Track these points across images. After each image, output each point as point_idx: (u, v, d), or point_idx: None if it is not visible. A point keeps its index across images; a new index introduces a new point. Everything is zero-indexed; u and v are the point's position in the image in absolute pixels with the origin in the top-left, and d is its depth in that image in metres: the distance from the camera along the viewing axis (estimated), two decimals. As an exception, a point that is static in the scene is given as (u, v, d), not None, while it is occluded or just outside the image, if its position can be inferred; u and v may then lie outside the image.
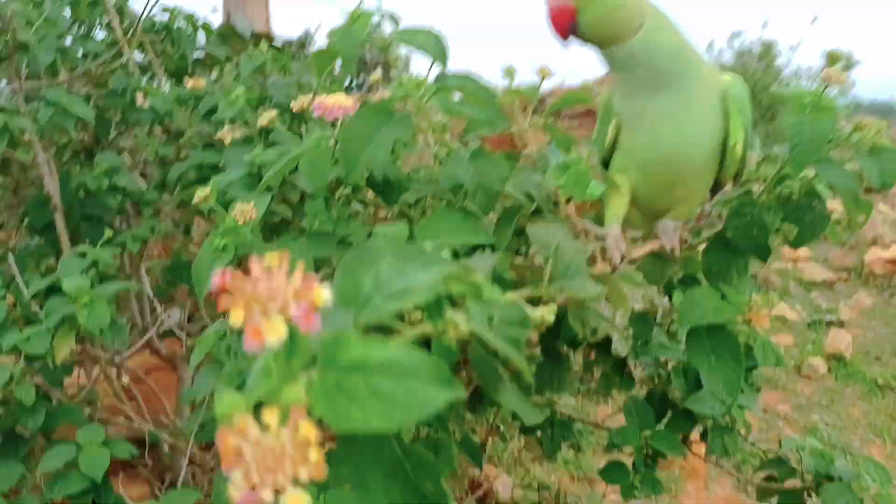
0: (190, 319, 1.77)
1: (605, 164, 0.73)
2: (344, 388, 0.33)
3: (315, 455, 0.31)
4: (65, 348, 1.04)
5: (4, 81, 1.15)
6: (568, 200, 0.69)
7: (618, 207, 0.69)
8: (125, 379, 1.32)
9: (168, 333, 1.71)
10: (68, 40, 1.25)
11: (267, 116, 0.85)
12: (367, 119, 0.65)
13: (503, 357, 0.46)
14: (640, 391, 1.11)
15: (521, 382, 0.47)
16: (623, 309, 0.54)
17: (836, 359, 2.82)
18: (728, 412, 0.97)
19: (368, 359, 0.34)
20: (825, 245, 3.90)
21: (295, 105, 0.79)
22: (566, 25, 0.66)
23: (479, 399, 1.01)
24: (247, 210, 0.67)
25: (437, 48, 0.61)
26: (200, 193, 0.73)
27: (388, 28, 0.72)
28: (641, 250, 0.69)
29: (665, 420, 1.02)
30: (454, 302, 0.52)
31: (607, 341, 0.85)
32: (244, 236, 0.68)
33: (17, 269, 1.11)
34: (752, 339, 0.98)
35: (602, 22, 0.65)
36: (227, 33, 1.53)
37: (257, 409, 0.34)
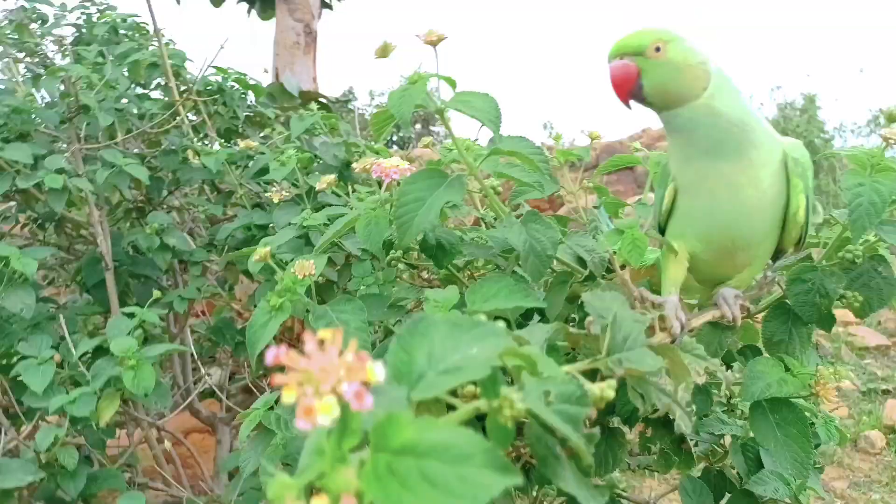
0: (230, 379, 1.77)
1: (662, 229, 0.71)
2: (396, 472, 0.31)
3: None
4: (110, 411, 1.04)
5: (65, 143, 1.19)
6: (622, 267, 0.66)
7: (675, 275, 0.67)
8: (167, 443, 1.31)
9: (208, 394, 1.71)
10: (126, 102, 1.30)
11: (326, 180, 0.86)
12: (422, 182, 0.64)
13: (561, 436, 0.44)
14: (695, 469, 1.05)
15: (579, 463, 0.44)
16: (685, 383, 0.51)
17: (894, 432, 2.64)
18: (795, 495, 0.90)
19: (421, 441, 0.32)
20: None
21: (357, 166, 0.80)
22: (629, 89, 0.65)
23: (526, 476, 0.97)
24: (307, 267, 0.67)
25: (492, 114, 0.61)
26: (260, 252, 0.73)
27: (445, 91, 0.73)
28: (701, 319, 0.65)
29: (723, 501, 0.96)
30: (509, 375, 0.50)
31: (665, 416, 0.81)
32: (300, 296, 0.68)
33: (66, 328, 1.13)
34: (814, 415, 0.93)
35: (666, 85, 0.64)
36: (277, 92, 1.58)
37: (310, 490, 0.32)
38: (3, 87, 1.24)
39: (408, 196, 0.64)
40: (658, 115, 0.66)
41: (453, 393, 0.47)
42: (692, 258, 0.68)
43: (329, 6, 6.14)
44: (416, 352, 0.37)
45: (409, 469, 0.31)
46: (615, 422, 0.74)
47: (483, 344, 0.37)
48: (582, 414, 0.42)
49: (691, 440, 0.93)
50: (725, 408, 0.88)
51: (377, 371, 0.31)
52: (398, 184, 0.75)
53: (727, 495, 0.97)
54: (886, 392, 2.95)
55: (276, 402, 0.72)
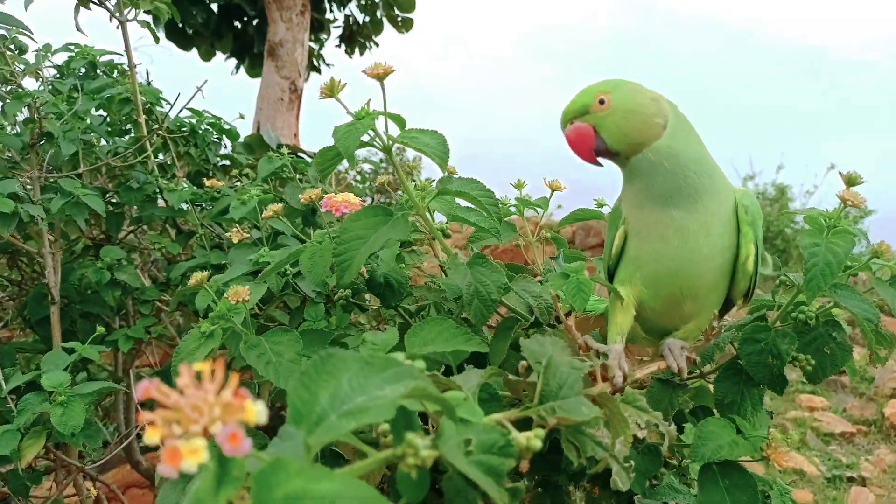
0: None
1: (610, 275, 0.70)
2: (276, 526, 0.28)
3: None
4: (33, 451, 0.98)
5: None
6: (568, 314, 0.64)
7: (622, 323, 0.65)
8: (93, 491, 1.23)
9: (153, 448, 1.62)
10: (93, 136, 1.28)
11: (272, 209, 0.84)
12: (365, 220, 0.63)
13: (483, 490, 0.41)
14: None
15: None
16: (624, 436, 0.48)
17: (860, 520, 2.60)
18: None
19: (308, 492, 0.29)
20: (843, 395, 3.74)
21: (303, 196, 0.78)
22: (590, 147, 0.65)
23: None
24: (241, 292, 0.64)
25: (439, 150, 0.60)
26: (197, 277, 0.70)
27: (394, 130, 0.72)
28: (646, 370, 0.63)
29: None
30: (427, 421, 0.47)
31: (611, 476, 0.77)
32: (234, 325, 0.64)
33: None
34: (769, 487, 0.90)
35: (623, 130, 0.63)
36: (255, 142, 1.57)
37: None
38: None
39: (349, 233, 0.62)
40: (623, 167, 0.66)
41: (374, 443, 0.44)
42: (639, 306, 0.66)
43: (318, 69, 6.28)
44: (319, 391, 0.34)
45: (290, 524, 0.28)
46: (561, 482, 0.70)
47: (396, 386, 0.35)
48: (505, 465, 0.39)
49: (641, 505, 0.90)
50: (676, 472, 0.85)
51: (258, 411, 0.28)
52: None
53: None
54: (851, 479, 2.91)
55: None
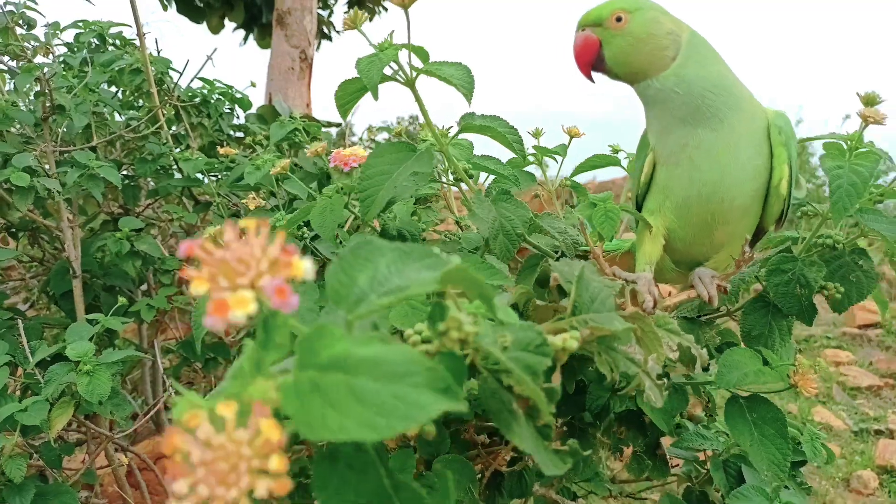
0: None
1: (639, 205, 0.69)
2: (321, 387, 0.28)
3: (277, 463, 0.25)
4: (62, 420, 0.99)
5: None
6: (595, 246, 0.64)
7: (650, 252, 0.64)
8: (124, 459, 1.24)
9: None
10: (105, 110, 1.28)
11: (280, 164, 0.84)
12: (388, 155, 0.62)
13: (518, 392, 0.41)
14: (670, 480, 1.01)
15: (537, 423, 0.40)
16: (657, 354, 0.48)
17: (887, 472, 2.59)
18: (777, 510, 0.86)
19: (352, 356, 0.29)
20: (869, 349, 3.70)
21: (310, 150, 0.78)
22: (590, 59, 0.63)
23: (497, 490, 0.92)
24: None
25: (465, 80, 0.59)
26: (210, 231, 0.70)
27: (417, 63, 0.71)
28: (676, 298, 0.63)
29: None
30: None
31: (638, 416, 0.77)
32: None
33: (24, 335, 1.08)
34: (799, 432, 0.89)
35: (627, 56, 0.62)
36: (267, 114, 1.57)
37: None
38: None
39: (373, 169, 0.62)
40: (632, 88, 0.65)
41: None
42: (669, 236, 0.65)
43: (328, 37, 6.22)
44: (358, 275, 0.34)
45: (335, 385, 0.28)
46: (586, 419, 0.70)
47: (433, 272, 0.35)
48: (542, 364, 0.39)
49: (669, 457, 0.89)
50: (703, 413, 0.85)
51: (305, 267, 0.28)
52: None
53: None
54: (879, 432, 2.90)
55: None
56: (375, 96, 0.59)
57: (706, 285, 0.63)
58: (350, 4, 6.29)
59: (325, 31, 6.18)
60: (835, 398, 3.23)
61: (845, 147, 0.65)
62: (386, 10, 6.28)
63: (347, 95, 0.62)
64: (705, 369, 0.78)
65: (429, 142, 0.64)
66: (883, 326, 3.84)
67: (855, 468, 2.62)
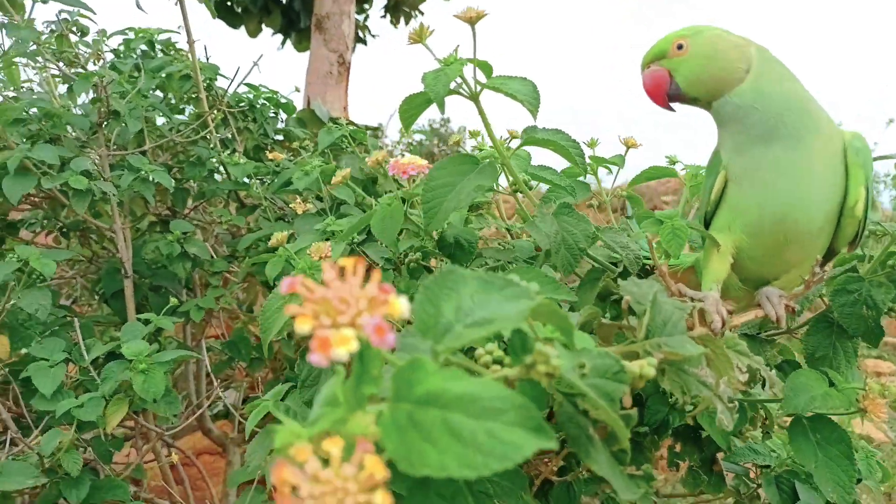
0: (245, 401, 1.74)
1: (706, 223, 0.68)
2: (417, 422, 0.28)
3: (382, 499, 0.25)
4: (117, 416, 1.02)
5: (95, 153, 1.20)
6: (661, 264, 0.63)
7: (718, 271, 0.63)
8: (174, 457, 1.27)
9: (222, 416, 1.68)
10: (158, 116, 1.31)
11: (341, 174, 0.85)
12: (451, 167, 0.62)
13: (594, 418, 0.40)
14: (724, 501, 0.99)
15: (613, 449, 0.40)
16: (728, 377, 0.47)
17: (930, 486, 2.53)
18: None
19: (447, 391, 0.29)
20: None
21: (371, 160, 0.78)
22: (664, 92, 0.64)
23: (545, 498, 0.92)
24: (323, 248, 0.65)
25: (531, 96, 0.59)
26: (277, 237, 0.71)
27: (481, 77, 0.71)
28: (743, 318, 0.61)
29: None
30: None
31: (695, 431, 0.76)
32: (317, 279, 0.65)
33: (80, 334, 1.11)
34: (854, 449, 0.87)
35: (699, 76, 0.62)
36: (307, 118, 1.58)
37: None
38: (40, 92, 1.25)
39: (436, 181, 0.62)
40: (708, 111, 0.64)
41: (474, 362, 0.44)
42: (737, 254, 0.64)
43: (363, 41, 6.24)
44: (443, 305, 0.34)
45: (432, 421, 0.28)
46: (644, 435, 0.69)
47: (516, 303, 0.34)
48: (619, 391, 0.38)
49: (726, 472, 0.88)
50: (760, 430, 0.83)
51: (402, 305, 0.28)
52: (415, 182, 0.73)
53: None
54: None
55: (287, 393, 0.69)
56: (442, 110, 0.59)
57: (774, 305, 0.62)
58: (386, 9, 6.30)
59: (360, 35, 6.20)
60: (876, 410, 3.15)
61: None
62: (422, 13, 6.28)
63: (412, 109, 0.62)
64: (764, 386, 0.76)
65: (491, 154, 0.63)
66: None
67: (898, 481, 2.56)
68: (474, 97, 0.60)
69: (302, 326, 0.27)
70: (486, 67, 0.60)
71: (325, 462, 0.26)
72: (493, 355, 0.44)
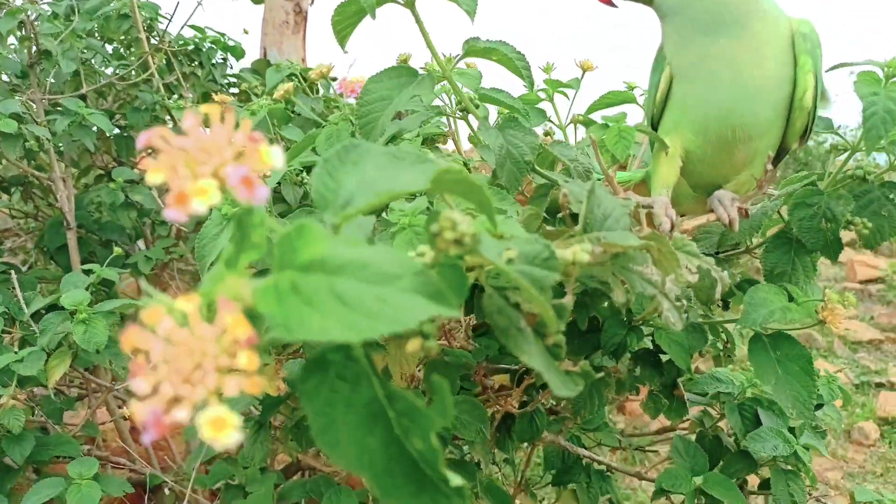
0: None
1: (654, 125, 0.65)
2: (300, 289, 0.24)
3: (247, 360, 0.22)
4: (59, 370, 0.97)
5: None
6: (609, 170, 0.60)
7: (667, 175, 0.60)
8: (126, 412, 1.23)
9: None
10: (94, 59, 1.24)
11: (284, 88, 0.80)
12: (388, 80, 0.58)
13: (526, 310, 0.37)
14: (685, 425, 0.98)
15: (546, 341, 0.37)
16: (675, 275, 0.44)
17: (888, 423, 2.60)
18: (794, 453, 0.83)
19: (336, 256, 0.25)
20: (870, 303, 3.68)
21: (314, 72, 0.74)
22: None
23: (507, 433, 0.90)
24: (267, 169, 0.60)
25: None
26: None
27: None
28: (694, 222, 0.59)
29: (719, 465, 0.90)
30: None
31: (654, 355, 0.74)
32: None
33: (18, 287, 1.06)
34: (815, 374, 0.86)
35: None
36: (262, 67, 1.52)
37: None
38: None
39: (372, 94, 0.58)
40: (650, 6, 0.60)
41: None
42: (687, 156, 0.61)
43: None
44: (344, 178, 0.30)
45: (316, 286, 0.25)
46: (601, 359, 0.67)
47: (425, 170, 0.31)
48: (549, 278, 0.35)
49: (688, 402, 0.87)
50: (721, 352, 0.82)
51: (274, 155, 0.25)
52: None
53: (721, 462, 0.90)
54: (880, 385, 2.90)
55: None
56: (373, 15, 0.54)
57: (726, 208, 0.59)
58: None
59: None
60: (836, 352, 3.24)
61: (881, 74, 0.60)
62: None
63: (345, 20, 0.57)
64: (725, 303, 0.74)
65: (431, 67, 0.59)
66: (884, 281, 3.81)
67: (856, 420, 2.65)
68: (409, 3, 0.56)
69: (154, 177, 0.23)
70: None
71: (182, 321, 0.22)
72: (423, 256, 0.40)
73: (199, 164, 0.24)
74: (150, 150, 0.25)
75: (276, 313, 0.24)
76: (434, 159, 0.32)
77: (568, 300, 0.36)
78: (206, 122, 0.24)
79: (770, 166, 0.56)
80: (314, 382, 0.27)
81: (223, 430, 0.21)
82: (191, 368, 0.21)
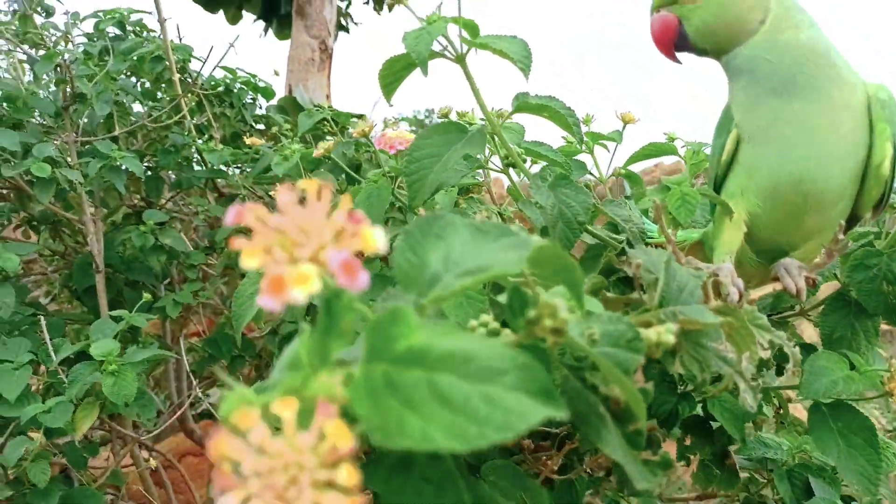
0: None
1: (717, 188, 0.63)
2: (396, 385, 0.23)
3: (347, 475, 0.20)
4: (87, 421, 0.95)
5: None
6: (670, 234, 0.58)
7: (731, 241, 0.57)
8: (153, 462, 1.20)
9: (205, 415, 1.61)
10: (126, 99, 1.25)
11: (323, 146, 0.79)
12: (437, 137, 0.57)
13: (604, 394, 0.35)
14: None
15: (625, 430, 0.35)
16: (750, 352, 0.42)
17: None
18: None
19: (434, 348, 0.23)
20: None
21: (355, 131, 0.73)
22: (671, 39, 0.59)
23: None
24: None
25: (520, 54, 0.53)
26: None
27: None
28: (761, 291, 0.56)
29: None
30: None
31: (705, 423, 0.71)
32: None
33: (47, 332, 1.05)
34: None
35: (710, 26, 0.57)
36: (289, 105, 1.53)
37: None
38: (6, 77, 1.19)
39: (421, 151, 0.57)
40: (718, 62, 0.60)
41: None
42: (751, 223, 0.58)
43: (346, 29, 6.12)
44: (429, 254, 0.29)
45: (414, 383, 0.23)
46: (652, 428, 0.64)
47: (514, 251, 0.29)
48: (634, 361, 0.33)
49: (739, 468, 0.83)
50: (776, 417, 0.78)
51: (377, 238, 0.23)
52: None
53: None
54: None
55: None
56: (425, 72, 0.53)
57: (794, 277, 0.57)
58: (368, -8, 6.15)
59: (343, 22, 6.07)
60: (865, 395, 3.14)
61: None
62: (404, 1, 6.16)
63: (392, 74, 0.57)
64: (779, 373, 0.71)
65: (481, 123, 0.58)
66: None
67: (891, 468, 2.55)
68: (460, 59, 0.55)
69: (249, 262, 0.22)
70: (472, 27, 0.55)
71: (276, 429, 0.20)
72: (488, 327, 0.38)
73: (297, 247, 0.22)
74: (239, 229, 0.23)
75: (371, 416, 0.22)
76: (520, 234, 0.30)
77: (649, 385, 0.34)
78: (300, 200, 0.23)
79: (841, 235, 0.53)
80: (397, 484, 0.25)
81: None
82: (285, 484, 0.19)
